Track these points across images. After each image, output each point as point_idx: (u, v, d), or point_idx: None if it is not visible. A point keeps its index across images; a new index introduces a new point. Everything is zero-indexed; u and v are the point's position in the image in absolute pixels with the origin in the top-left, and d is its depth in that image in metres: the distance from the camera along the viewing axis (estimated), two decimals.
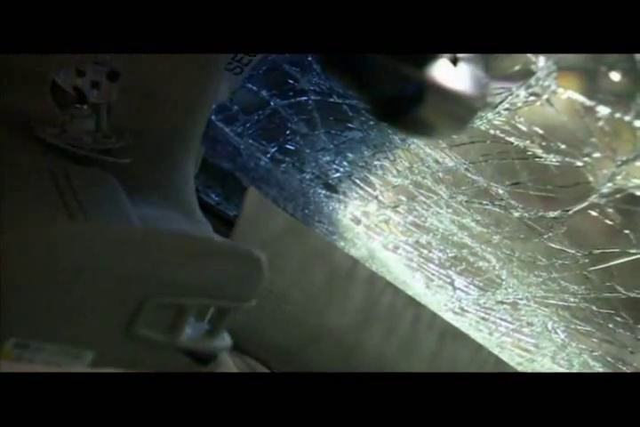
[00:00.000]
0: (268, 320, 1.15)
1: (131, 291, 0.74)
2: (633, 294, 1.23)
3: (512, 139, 1.16)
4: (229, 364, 1.14)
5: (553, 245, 1.22)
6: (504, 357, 1.29)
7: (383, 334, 1.22)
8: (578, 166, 1.11)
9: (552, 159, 1.14)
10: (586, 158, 1.09)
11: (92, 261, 0.73)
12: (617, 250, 1.21)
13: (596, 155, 1.07)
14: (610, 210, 1.11)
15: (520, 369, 1.32)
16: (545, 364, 1.34)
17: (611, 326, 1.26)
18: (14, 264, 0.70)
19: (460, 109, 0.77)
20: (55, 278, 0.72)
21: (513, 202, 1.20)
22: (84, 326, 0.75)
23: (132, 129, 0.95)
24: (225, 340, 0.81)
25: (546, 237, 1.20)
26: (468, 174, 1.24)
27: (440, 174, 1.26)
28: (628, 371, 1.33)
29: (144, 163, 0.96)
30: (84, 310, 0.74)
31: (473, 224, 1.26)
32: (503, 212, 1.22)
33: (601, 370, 1.33)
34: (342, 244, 1.31)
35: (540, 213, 1.18)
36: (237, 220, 1.13)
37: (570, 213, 1.16)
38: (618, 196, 1.10)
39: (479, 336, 1.29)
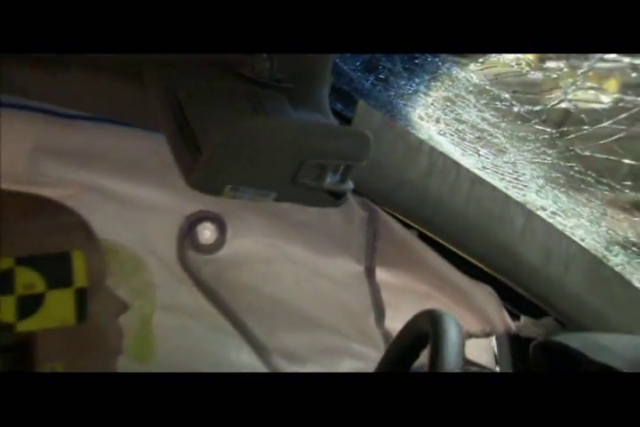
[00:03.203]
0: (371, 174, 1.36)
1: (294, 156, 0.94)
2: (586, 153, 1.46)
3: (513, 64, 1.39)
4: (352, 200, 1.47)
5: (538, 127, 1.45)
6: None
7: (442, 183, 1.42)
8: (554, 78, 1.38)
9: (538, 75, 1.40)
10: (558, 72, 1.38)
11: (272, 139, 0.92)
12: (580, 127, 1.44)
13: (565, 70, 1.38)
14: (572, 104, 1.41)
15: (515, 196, 1.49)
16: (531, 197, 1.56)
17: (571, 173, 1.49)
18: (232, 141, 0.91)
19: None
20: (253, 149, 0.92)
21: (514, 102, 1.42)
22: (270, 177, 0.96)
23: (293, 66, 1.08)
24: (350, 184, 1.00)
25: (533, 122, 1.43)
26: (487, 87, 1.45)
27: (470, 88, 1.45)
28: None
29: (299, 86, 1.09)
30: (270, 168, 0.95)
31: (489, 117, 1.48)
32: (507, 108, 1.45)
33: (559, 193, 1.54)
34: (413, 131, 1.46)
35: (530, 108, 1.41)
36: (353, 119, 1.33)
37: (548, 106, 1.41)
38: (578, 93, 1.39)
39: (491, 180, 1.49)
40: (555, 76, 1.43)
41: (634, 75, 1.43)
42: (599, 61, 1.39)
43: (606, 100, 1.45)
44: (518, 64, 1.44)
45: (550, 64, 1.49)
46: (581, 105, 1.42)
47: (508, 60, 1.43)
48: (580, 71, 1.41)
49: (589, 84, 1.45)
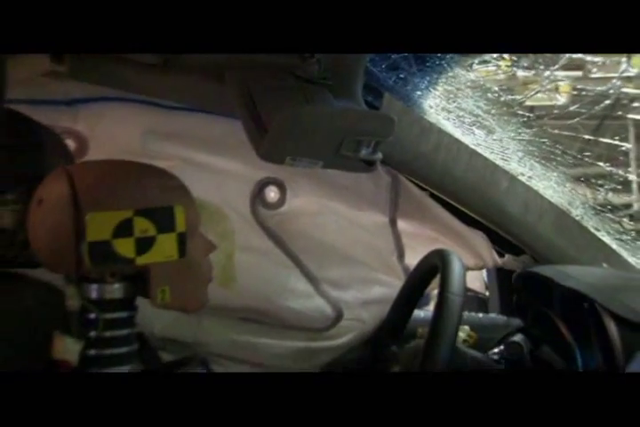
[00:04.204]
0: (394, 148, 1.33)
1: (337, 134, 0.96)
2: (555, 131, 1.51)
3: (501, 62, 1.45)
4: (379, 168, 1.47)
5: (519, 112, 1.52)
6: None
7: (447, 156, 1.41)
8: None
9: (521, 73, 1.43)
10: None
11: (320, 121, 0.95)
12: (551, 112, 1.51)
13: (541, 67, 1.42)
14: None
15: (501, 164, 1.49)
16: (513, 165, 1.54)
17: (543, 147, 1.54)
18: (289, 123, 0.94)
19: None
20: (305, 129, 0.94)
21: (501, 93, 1.48)
22: (319, 150, 0.98)
23: (335, 68, 1.07)
24: (379, 155, 1.01)
25: (515, 108, 1.49)
26: (480, 82, 1.49)
27: (468, 83, 1.47)
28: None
29: (340, 83, 1.08)
30: (319, 143, 0.97)
31: (482, 105, 1.51)
32: (496, 98, 1.51)
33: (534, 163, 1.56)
34: (425, 116, 1.43)
35: (512, 97, 1.46)
36: (380, 107, 1.32)
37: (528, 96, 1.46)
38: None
39: (484, 153, 1.47)
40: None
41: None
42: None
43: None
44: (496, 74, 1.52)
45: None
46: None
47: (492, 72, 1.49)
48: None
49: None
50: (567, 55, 1.64)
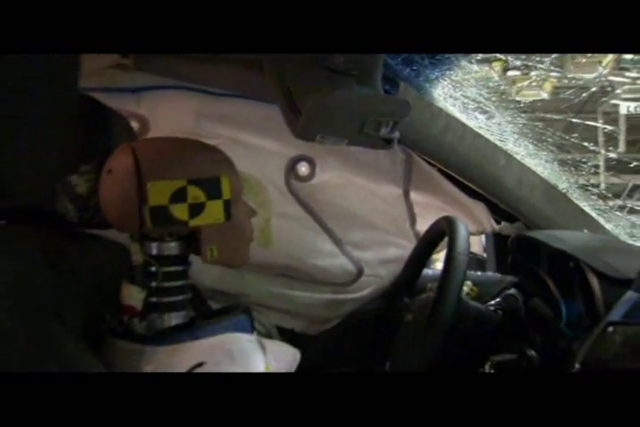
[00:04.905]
0: (408, 130, 1.31)
1: (360, 115, 0.94)
2: (547, 116, 1.50)
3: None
4: (396, 146, 1.30)
5: (516, 99, 1.49)
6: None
7: (453, 137, 1.39)
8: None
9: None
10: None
11: (346, 105, 0.92)
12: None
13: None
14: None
15: (499, 144, 1.47)
16: (510, 146, 1.53)
17: (536, 129, 1.53)
18: (320, 106, 0.92)
19: None
20: (333, 111, 0.92)
21: (500, 82, 1.46)
22: (345, 129, 0.96)
23: (358, 61, 0.98)
24: (397, 134, 0.98)
25: (513, 97, 1.46)
26: (483, 73, 1.49)
27: (472, 74, 1.45)
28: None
29: (362, 74, 0.99)
30: (345, 123, 0.95)
31: (484, 93, 1.49)
32: (496, 87, 1.49)
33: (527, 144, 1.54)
34: (435, 103, 1.40)
35: (510, 86, 1.43)
36: (397, 95, 1.29)
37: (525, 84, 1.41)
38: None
39: (485, 135, 1.45)
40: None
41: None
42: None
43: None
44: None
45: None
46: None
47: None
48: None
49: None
50: (552, 56, 1.63)
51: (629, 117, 6.64)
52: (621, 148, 6.07)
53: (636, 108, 6.54)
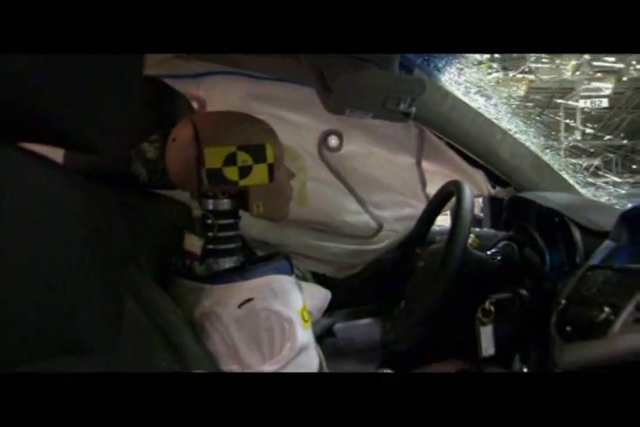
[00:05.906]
0: (421, 108, 1.16)
1: (383, 92, 0.90)
2: (537, 97, 1.44)
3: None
4: (411, 122, 1.42)
5: (511, 84, 1.45)
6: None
7: (458, 115, 1.35)
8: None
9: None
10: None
11: (372, 83, 0.88)
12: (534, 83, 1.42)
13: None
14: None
15: (495, 122, 1.41)
16: (504, 123, 1.45)
17: (527, 109, 1.46)
18: (348, 85, 0.88)
19: None
20: (359, 89, 0.88)
21: (499, 68, 1.42)
22: (369, 104, 0.92)
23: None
24: (414, 109, 0.93)
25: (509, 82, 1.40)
26: (484, 61, 1.44)
27: (474, 62, 1.40)
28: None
29: (382, 61, 0.93)
30: (370, 99, 0.90)
31: (484, 78, 1.45)
32: (496, 73, 1.45)
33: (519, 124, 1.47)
34: (443, 86, 1.35)
35: (507, 73, 1.38)
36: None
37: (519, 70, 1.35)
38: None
39: (484, 113, 1.40)
40: None
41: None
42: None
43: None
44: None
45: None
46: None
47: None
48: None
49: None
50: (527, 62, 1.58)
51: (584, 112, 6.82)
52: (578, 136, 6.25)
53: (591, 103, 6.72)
